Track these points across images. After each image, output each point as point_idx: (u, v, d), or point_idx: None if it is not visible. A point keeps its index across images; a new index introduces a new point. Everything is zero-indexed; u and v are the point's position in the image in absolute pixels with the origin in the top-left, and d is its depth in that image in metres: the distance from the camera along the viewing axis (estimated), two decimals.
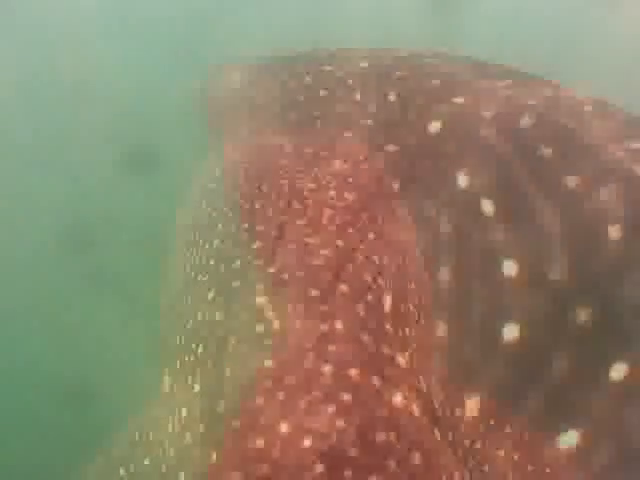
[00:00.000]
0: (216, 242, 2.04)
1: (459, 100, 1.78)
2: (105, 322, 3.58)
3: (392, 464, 1.42)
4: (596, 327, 1.33)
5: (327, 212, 1.82)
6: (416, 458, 1.42)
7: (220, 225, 2.07)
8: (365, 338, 1.76)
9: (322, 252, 1.83)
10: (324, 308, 1.89)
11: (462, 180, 1.61)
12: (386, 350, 1.73)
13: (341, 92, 2.09)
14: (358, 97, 2.02)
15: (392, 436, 1.59)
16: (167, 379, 1.95)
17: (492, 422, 1.47)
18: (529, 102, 1.69)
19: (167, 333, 2.13)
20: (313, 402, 1.64)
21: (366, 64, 2.19)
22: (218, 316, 1.86)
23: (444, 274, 1.55)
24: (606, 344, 1.33)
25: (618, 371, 1.31)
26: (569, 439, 1.38)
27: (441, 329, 1.54)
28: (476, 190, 1.57)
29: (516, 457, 1.44)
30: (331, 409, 1.59)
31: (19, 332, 3.72)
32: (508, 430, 1.43)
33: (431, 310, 1.56)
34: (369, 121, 1.91)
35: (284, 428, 1.59)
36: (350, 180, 1.82)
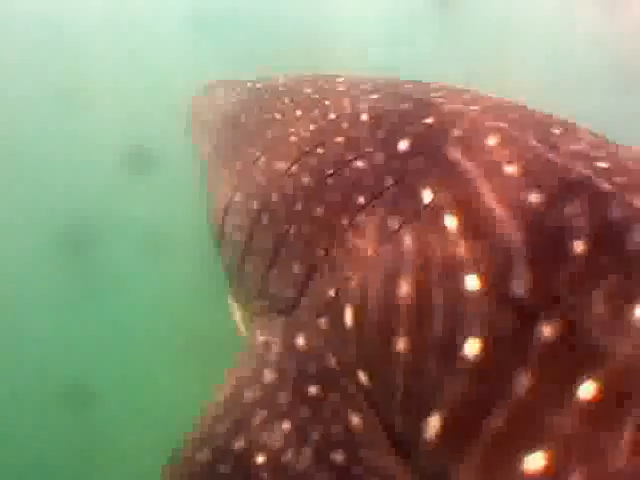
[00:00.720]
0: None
1: (429, 121, 1.82)
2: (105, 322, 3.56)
3: None
4: (562, 344, 1.28)
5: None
6: None
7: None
8: (326, 354, 1.73)
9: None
10: (290, 322, 1.87)
11: (427, 196, 1.63)
12: (346, 367, 1.70)
13: (317, 112, 2.14)
14: (333, 116, 2.08)
15: (348, 457, 1.55)
16: None
17: (454, 441, 1.41)
18: (498, 124, 1.72)
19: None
20: (265, 419, 1.61)
21: (344, 87, 2.26)
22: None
23: (405, 289, 1.52)
24: (573, 361, 1.27)
25: (585, 390, 1.26)
26: (535, 460, 1.28)
27: (402, 344, 1.51)
28: (440, 206, 1.58)
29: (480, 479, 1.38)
30: (286, 425, 1.56)
31: (19, 332, 3.70)
32: (471, 450, 1.37)
33: (392, 325, 1.54)
34: (339, 138, 1.96)
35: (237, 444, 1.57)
36: (317, 194, 1.84)
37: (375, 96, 2.10)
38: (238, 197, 2.13)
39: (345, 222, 1.75)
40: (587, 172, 1.43)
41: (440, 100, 1.93)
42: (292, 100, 2.28)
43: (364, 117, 1.99)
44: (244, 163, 2.20)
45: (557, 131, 1.71)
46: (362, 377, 1.65)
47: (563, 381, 1.27)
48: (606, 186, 1.37)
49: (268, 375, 1.76)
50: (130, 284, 3.65)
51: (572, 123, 1.80)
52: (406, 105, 1.95)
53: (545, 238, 1.37)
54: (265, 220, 1.99)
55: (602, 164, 1.49)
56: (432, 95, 1.99)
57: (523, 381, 1.31)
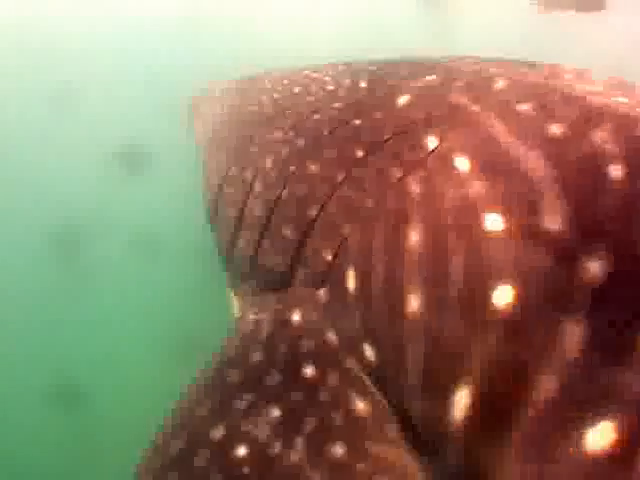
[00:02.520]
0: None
1: (430, 78, 1.71)
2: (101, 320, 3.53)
3: None
4: (613, 282, 1.03)
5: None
6: None
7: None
8: (326, 328, 1.50)
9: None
10: (284, 297, 1.65)
11: (431, 142, 1.46)
12: (349, 341, 1.46)
13: (314, 87, 2.06)
14: (330, 87, 1.98)
15: (349, 450, 1.27)
16: None
17: (490, 421, 1.12)
18: (502, 70, 1.59)
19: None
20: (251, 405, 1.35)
21: (344, 66, 2.20)
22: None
23: (416, 238, 1.30)
24: (631, 302, 1.00)
25: None
26: (601, 434, 0.98)
27: (415, 304, 1.26)
28: (448, 149, 1.41)
29: (525, 466, 1.07)
30: (275, 412, 1.30)
31: (14, 333, 3.68)
32: (513, 429, 1.08)
33: (403, 282, 1.31)
34: (337, 104, 1.85)
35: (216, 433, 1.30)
36: (311, 153, 1.70)
37: (374, 68, 2.01)
38: (233, 171, 2.01)
39: (341, 176, 1.58)
40: (607, 102, 1.28)
41: (442, 60, 1.83)
42: (290, 80, 2.21)
43: (363, 84, 1.89)
44: (240, 141, 2.10)
45: (569, 75, 1.56)
46: (368, 352, 1.39)
47: (624, 328, 1.00)
48: (630, 112, 1.22)
49: (256, 355, 1.51)
50: (123, 284, 3.56)
51: (584, 69, 1.65)
52: (407, 70, 1.85)
53: (575, 167, 1.17)
54: (258, 188, 1.84)
55: (621, 98, 1.33)
56: (434, 60, 1.89)
57: (574, 333, 1.04)
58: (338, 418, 1.33)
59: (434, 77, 1.70)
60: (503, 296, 1.12)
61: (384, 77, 1.86)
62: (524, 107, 1.36)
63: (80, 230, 4.03)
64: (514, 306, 1.11)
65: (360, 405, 1.35)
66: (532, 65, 1.69)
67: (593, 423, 1.00)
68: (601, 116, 1.22)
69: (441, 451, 1.23)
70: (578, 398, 1.02)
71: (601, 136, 1.18)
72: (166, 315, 3.20)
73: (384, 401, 1.36)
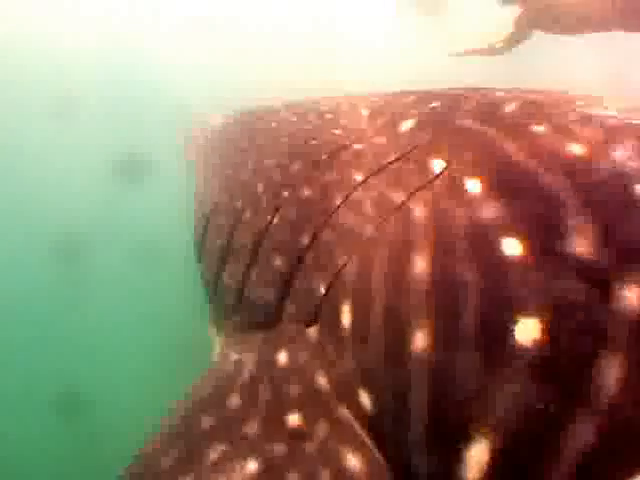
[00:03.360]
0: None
1: (435, 104, 1.63)
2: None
3: None
4: None
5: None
6: None
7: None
8: (315, 371, 1.30)
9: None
10: (270, 335, 1.47)
11: (437, 166, 1.34)
12: (342, 387, 1.26)
13: (312, 116, 1.99)
14: (329, 116, 1.91)
15: None
16: None
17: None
18: (512, 94, 1.51)
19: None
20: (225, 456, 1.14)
21: (342, 98, 2.15)
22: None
23: (423, 267, 1.14)
24: None
25: None
26: None
27: (421, 342, 1.08)
28: (456, 171, 1.28)
29: None
30: (253, 466, 1.09)
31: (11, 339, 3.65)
32: None
33: (406, 317, 1.13)
34: (337, 130, 1.76)
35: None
36: (306, 178, 1.58)
37: (375, 98, 1.95)
38: (221, 199, 1.89)
39: (337, 201, 1.45)
40: (625, 122, 1.19)
41: (446, 90, 1.76)
42: (287, 109, 2.15)
43: (364, 112, 1.81)
44: (233, 169, 2.00)
45: (581, 102, 1.48)
46: (364, 399, 1.19)
47: None
48: None
49: (234, 399, 1.31)
50: (123, 292, 3.54)
51: (597, 97, 1.57)
52: (410, 97, 1.78)
53: (599, 186, 1.05)
54: (247, 215, 1.70)
55: (636, 120, 1.23)
56: (439, 90, 1.83)
57: (612, 370, 0.87)
58: (326, 476, 1.12)
59: (439, 103, 1.62)
60: (527, 330, 0.96)
61: (386, 105, 1.79)
62: (539, 128, 1.26)
63: (81, 239, 4.06)
64: (541, 342, 0.94)
65: (352, 461, 1.14)
66: (541, 91, 1.62)
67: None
68: (621, 135, 1.13)
69: None
70: (621, 449, 0.84)
71: (624, 155, 1.08)
72: (166, 324, 3.10)
73: (381, 457, 1.15)
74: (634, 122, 1.20)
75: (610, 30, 6.48)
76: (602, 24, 6.40)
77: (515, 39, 7.07)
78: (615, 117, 1.25)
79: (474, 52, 7.39)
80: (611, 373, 0.87)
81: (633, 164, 1.05)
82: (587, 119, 1.23)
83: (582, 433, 0.87)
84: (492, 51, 7.22)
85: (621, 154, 1.08)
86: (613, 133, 1.15)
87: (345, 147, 1.62)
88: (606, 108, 1.39)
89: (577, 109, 1.31)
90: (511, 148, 1.24)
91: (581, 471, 0.87)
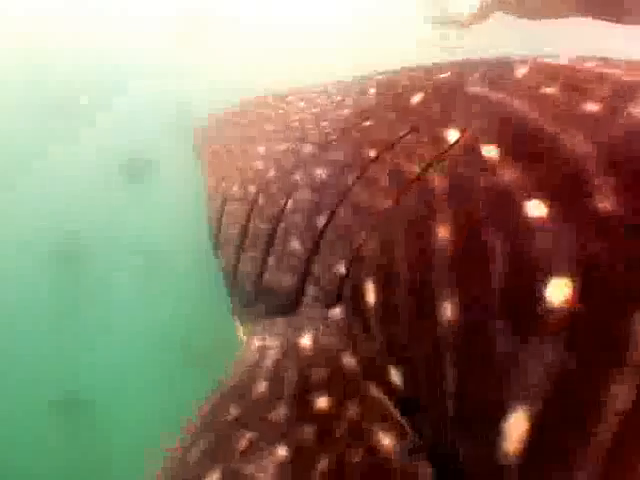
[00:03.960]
0: None
1: (444, 75, 1.59)
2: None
3: None
4: None
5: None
6: None
7: None
8: (342, 352, 1.29)
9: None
10: (293, 320, 1.45)
11: (452, 135, 1.31)
12: (371, 365, 1.24)
13: (320, 99, 1.96)
14: (338, 98, 1.88)
15: None
16: None
17: (552, 448, 0.88)
18: (522, 60, 1.47)
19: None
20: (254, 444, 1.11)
21: (350, 81, 2.12)
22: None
23: (446, 237, 1.11)
24: None
25: None
26: None
27: (450, 313, 1.05)
28: (472, 139, 1.25)
29: None
30: (283, 452, 1.08)
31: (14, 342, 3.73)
32: (582, 457, 0.84)
33: (432, 288, 1.10)
34: (346, 110, 1.73)
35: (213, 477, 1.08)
36: (318, 158, 1.56)
37: (382, 76, 1.91)
38: (235, 188, 1.87)
39: (352, 179, 1.42)
40: (638, 79, 1.14)
41: (454, 61, 1.72)
42: (295, 96, 2.13)
43: (372, 90, 1.78)
44: (243, 158, 1.99)
45: (592, 61, 1.43)
46: (395, 376, 1.17)
47: None
48: None
49: (260, 386, 1.30)
50: (125, 295, 3.57)
51: (610, 58, 1.51)
52: (417, 71, 1.74)
53: (619, 141, 1.02)
54: (261, 201, 1.69)
55: None
56: (447, 63, 1.79)
57: None
58: (357, 458, 1.10)
59: (448, 74, 1.58)
60: (559, 291, 0.92)
61: (394, 82, 1.75)
62: (552, 90, 1.23)
63: (83, 243, 4.11)
64: (573, 302, 0.91)
65: (385, 441, 1.12)
66: (553, 55, 1.57)
67: None
68: (635, 92, 1.10)
69: None
70: None
71: (639, 110, 1.04)
72: (168, 326, 3.13)
73: (414, 435, 1.12)
74: None
75: (576, 16, 6.49)
76: (566, 9, 6.43)
77: (479, 18, 7.43)
78: (628, 74, 1.21)
79: (442, 22, 7.90)
80: None
81: None
82: (601, 78, 1.20)
83: (622, 392, 0.84)
84: (457, 25, 7.75)
85: (636, 109, 1.05)
86: (628, 90, 1.12)
87: (355, 125, 1.59)
88: (618, 66, 1.34)
89: (590, 69, 1.27)
90: (525, 111, 1.21)
91: (622, 431, 0.83)
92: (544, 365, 0.91)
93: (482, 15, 7.52)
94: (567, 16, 6.73)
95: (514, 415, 0.93)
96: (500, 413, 0.95)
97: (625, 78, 1.17)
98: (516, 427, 0.92)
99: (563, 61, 1.39)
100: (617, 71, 1.24)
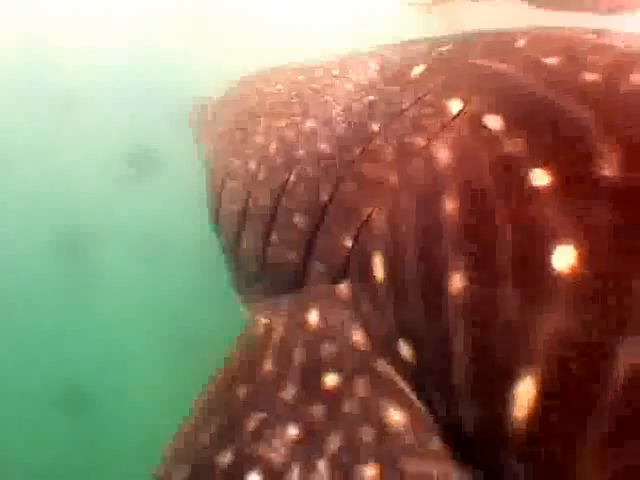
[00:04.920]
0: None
1: (445, 48, 1.56)
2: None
3: None
4: None
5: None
6: None
7: None
8: (350, 328, 1.28)
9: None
10: (299, 296, 1.45)
11: (455, 106, 1.29)
12: (380, 340, 1.24)
13: (319, 73, 1.93)
14: (336, 72, 1.85)
15: (383, 473, 1.04)
16: None
17: (561, 413, 0.90)
18: (522, 31, 1.45)
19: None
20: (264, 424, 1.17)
21: (349, 55, 2.07)
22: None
23: (453, 207, 1.11)
24: None
25: None
26: None
27: (460, 283, 1.05)
28: (475, 110, 1.23)
29: (609, 469, 0.84)
30: (294, 431, 1.09)
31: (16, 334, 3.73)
32: (591, 420, 0.86)
33: (440, 259, 1.10)
34: (347, 84, 1.70)
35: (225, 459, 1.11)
36: (321, 133, 1.54)
37: (382, 51, 1.88)
38: (235, 164, 1.85)
39: (356, 151, 1.40)
40: (636, 49, 1.17)
41: (453, 35, 1.69)
42: (292, 71, 2.09)
43: (372, 65, 1.75)
44: (242, 134, 1.96)
45: (590, 33, 1.42)
46: (405, 350, 1.17)
47: None
48: None
49: (268, 365, 1.29)
50: (128, 287, 3.56)
51: (606, 30, 1.51)
52: (418, 45, 1.71)
53: (617, 107, 1.03)
54: (262, 176, 1.66)
55: None
56: (447, 36, 1.75)
57: None
58: (368, 434, 1.11)
59: (450, 46, 1.56)
60: (564, 258, 0.93)
61: (394, 55, 1.72)
62: (552, 60, 1.23)
63: (86, 234, 4.07)
64: (579, 267, 0.91)
65: (395, 416, 1.12)
66: (551, 27, 1.55)
67: None
68: (634, 61, 1.11)
69: (497, 463, 0.99)
70: None
71: (638, 77, 1.06)
72: (171, 319, 3.12)
73: (424, 408, 1.13)
74: None
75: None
76: None
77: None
78: (625, 44, 1.21)
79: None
80: None
81: None
82: (599, 47, 1.21)
83: (628, 357, 0.85)
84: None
85: (635, 77, 1.07)
86: (625, 58, 1.13)
87: (358, 100, 1.57)
88: (616, 37, 1.33)
89: (589, 40, 1.28)
90: (527, 81, 1.21)
91: (630, 396, 0.84)
92: (551, 331, 0.91)
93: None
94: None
95: (522, 381, 0.94)
96: (508, 380, 0.95)
97: (622, 48, 1.18)
98: (524, 393, 0.93)
99: (562, 32, 1.38)
100: (614, 42, 1.24)
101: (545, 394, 0.91)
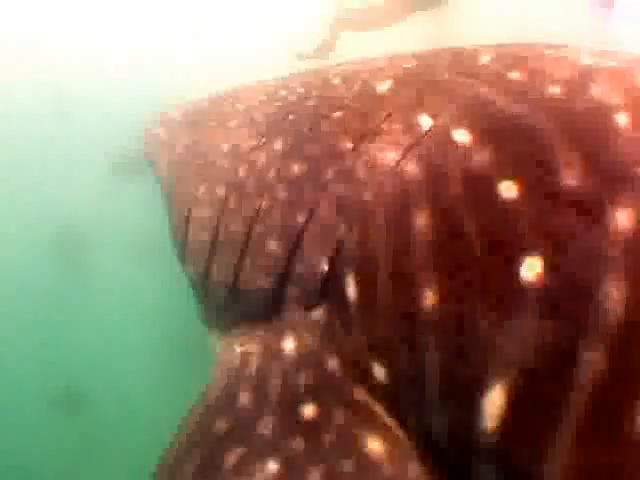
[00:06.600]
0: None
1: (410, 65, 1.57)
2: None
3: None
4: None
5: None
6: None
7: None
8: (325, 354, 1.25)
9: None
10: (274, 324, 1.39)
11: (425, 122, 1.30)
12: (354, 365, 1.21)
13: (282, 93, 1.90)
14: (300, 90, 1.82)
15: None
16: None
17: (528, 418, 0.92)
18: (484, 48, 1.49)
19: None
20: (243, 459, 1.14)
21: (311, 72, 2.06)
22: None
23: (424, 223, 1.12)
24: None
25: None
26: None
27: (430, 298, 1.05)
28: (443, 125, 1.25)
29: (578, 465, 0.87)
30: (274, 466, 1.03)
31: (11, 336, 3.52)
32: (559, 422, 0.89)
33: (412, 276, 1.09)
34: (311, 102, 1.67)
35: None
36: (291, 153, 1.50)
37: (345, 67, 1.88)
38: (201, 191, 1.77)
39: (330, 172, 1.37)
40: (596, 62, 1.23)
41: (418, 51, 1.71)
42: (255, 91, 2.05)
43: (336, 81, 1.73)
44: (207, 159, 1.88)
45: (552, 50, 1.49)
46: (377, 372, 1.15)
47: None
48: (619, 68, 1.20)
49: (244, 397, 1.24)
50: (124, 288, 3.47)
51: (567, 45, 1.58)
52: (382, 61, 1.72)
53: (581, 119, 1.08)
54: (232, 203, 1.60)
55: (604, 60, 1.28)
56: (410, 52, 1.78)
57: (616, 293, 0.88)
58: (349, 464, 1.09)
59: (414, 63, 1.57)
60: (532, 269, 0.96)
61: (359, 71, 1.72)
62: (516, 74, 1.28)
63: (81, 236, 3.92)
64: (546, 277, 0.94)
65: (374, 444, 1.11)
66: (514, 44, 1.61)
67: None
68: (595, 73, 1.18)
69: (472, 474, 1.01)
70: (633, 372, 0.86)
71: (600, 90, 1.12)
72: (169, 320, 3.02)
73: (401, 434, 1.13)
74: (606, 63, 1.25)
75: (411, 16, 6.77)
76: (403, 12, 6.70)
77: (327, 45, 7.09)
78: (587, 59, 1.28)
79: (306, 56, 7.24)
80: (615, 294, 0.89)
81: (608, 98, 1.10)
82: (560, 62, 1.27)
83: (594, 361, 0.88)
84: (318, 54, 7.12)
85: (596, 90, 1.13)
86: (586, 73, 1.18)
87: (325, 117, 1.54)
88: (577, 52, 1.40)
89: (550, 55, 1.33)
90: (493, 96, 1.25)
91: (598, 399, 0.88)
92: (519, 341, 0.94)
93: (329, 44, 7.10)
94: (404, 18, 6.84)
95: (492, 391, 0.95)
96: (479, 391, 0.97)
97: (583, 61, 1.24)
98: (494, 403, 0.95)
99: (523, 48, 1.44)
100: (573, 56, 1.30)
101: (515, 401, 0.93)
